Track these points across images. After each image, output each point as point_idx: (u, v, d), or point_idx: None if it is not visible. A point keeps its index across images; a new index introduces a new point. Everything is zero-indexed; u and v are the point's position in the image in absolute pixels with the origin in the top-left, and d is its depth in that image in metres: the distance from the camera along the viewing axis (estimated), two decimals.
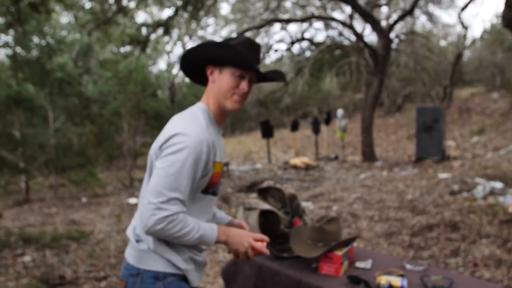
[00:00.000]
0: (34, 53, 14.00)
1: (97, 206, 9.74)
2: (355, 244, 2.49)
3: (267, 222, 2.62)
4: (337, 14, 23.22)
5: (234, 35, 17.69)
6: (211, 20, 23.81)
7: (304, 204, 7.82)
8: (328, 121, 16.30)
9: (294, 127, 16.43)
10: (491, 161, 10.79)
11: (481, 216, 6.01)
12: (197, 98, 28.88)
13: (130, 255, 1.74)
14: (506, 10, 6.95)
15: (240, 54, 1.66)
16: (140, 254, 1.70)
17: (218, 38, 22.30)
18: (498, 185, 7.68)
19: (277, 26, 19.81)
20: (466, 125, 17.91)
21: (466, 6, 14.07)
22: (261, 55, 2.12)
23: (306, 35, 22.85)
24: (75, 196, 11.78)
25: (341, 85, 25.13)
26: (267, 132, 15.58)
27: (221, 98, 1.74)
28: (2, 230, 6.82)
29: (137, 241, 1.72)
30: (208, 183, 1.72)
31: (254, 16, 17.34)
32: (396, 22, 15.04)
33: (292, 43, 21.01)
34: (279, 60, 24.02)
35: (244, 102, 1.79)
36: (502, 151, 12.25)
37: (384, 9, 21.08)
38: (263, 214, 2.63)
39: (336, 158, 15.52)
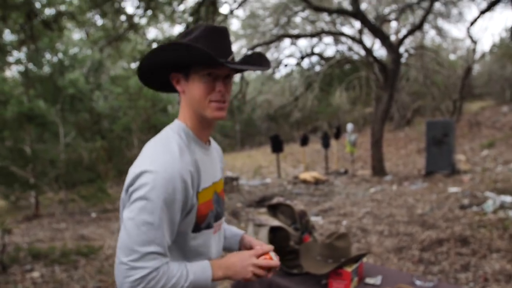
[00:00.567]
0: (46, 69, 14.20)
1: (106, 222, 9.76)
2: (364, 259, 2.48)
3: (277, 238, 2.61)
4: (346, 29, 23.41)
5: (244, 50, 17.80)
6: None
7: (313, 219, 7.79)
8: (338, 135, 16.28)
9: (304, 141, 16.42)
10: (501, 175, 10.70)
11: (491, 231, 5.94)
12: None
13: None
14: None
15: (201, 51, 1.33)
16: None
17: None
18: (508, 199, 7.60)
19: (287, 41, 20.00)
20: (476, 139, 17.79)
21: (475, 20, 14.02)
22: (230, 39, 1.50)
23: (316, 50, 23.03)
24: (84, 212, 11.83)
25: (351, 100, 25.18)
26: (277, 146, 15.58)
27: (198, 109, 1.44)
28: (11, 246, 6.85)
29: None
30: (196, 220, 1.44)
31: (264, 31, 17.47)
32: (405, 36, 15.05)
33: (302, 58, 21.11)
34: (289, 75, 24.14)
35: (228, 103, 1.47)
36: None
37: (394, 24, 21.15)
38: (273, 230, 2.62)
39: (346, 172, 15.46)
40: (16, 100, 12.57)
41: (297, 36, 17.31)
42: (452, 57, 26.25)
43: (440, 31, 19.40)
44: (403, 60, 18.78)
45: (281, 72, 26.21)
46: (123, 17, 11.10)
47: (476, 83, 28.12)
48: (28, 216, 11.51)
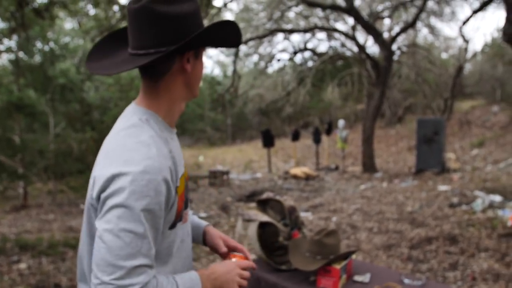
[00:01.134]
0: (37, 58, 14.05)
1: None
2: (353, 256, 2.47)
3: (266, 234, 2.61)
4: (340, 25, 23.34)
5: None
6: None
7: (303, 214, 7.80)
8: (329, 131, 16.31)
9: (295, 136, 16.44)
10: (491, 174, 10.78)
11: (480, 230, 5.98)
12: (198, 104, 28.95)
13: None
14: (507, 25, 6.97)
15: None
16: None
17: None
18: (497, 198, 7.66)
19: (280, 36, 19.87)
20: (466, 138, 17.92)
21: (467, 20, 14.08)
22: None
23: (309, 45, 22.88)
24: (73, 203, 11.75)
25: (343, 96, 25.19)
26: (268, 141, 15.58)
27: (194, 89, 1.34)
28: None
29: None
30: (175, 215, 1.27)
31: (258, 25, 17.39)
32: (398, 34, 15.10)
33: (295, 53, 21.07)
34: (281, 69, 24.07)
35: None
36: (501, 164, 12.23)
37: (387, 21, 21.15)
38: (262, 226, 2.61)
39: (337, 168, 15.50)
40: (6, 89, 12.45)
41: (291, 31, 17.26)
42: (444, 55, 26.37)
43: (432, 30, 19.43)
44: (395, 57, 18.81)
45: (273, 66, 26.16)
46: (116, 7, 11.00)
47: (467, 82, 28.28)
48: (16, 206, 11.41)
